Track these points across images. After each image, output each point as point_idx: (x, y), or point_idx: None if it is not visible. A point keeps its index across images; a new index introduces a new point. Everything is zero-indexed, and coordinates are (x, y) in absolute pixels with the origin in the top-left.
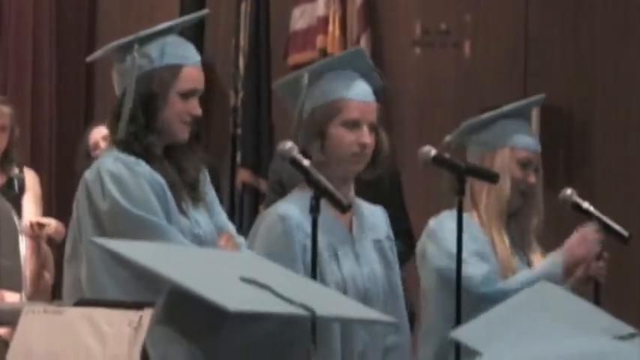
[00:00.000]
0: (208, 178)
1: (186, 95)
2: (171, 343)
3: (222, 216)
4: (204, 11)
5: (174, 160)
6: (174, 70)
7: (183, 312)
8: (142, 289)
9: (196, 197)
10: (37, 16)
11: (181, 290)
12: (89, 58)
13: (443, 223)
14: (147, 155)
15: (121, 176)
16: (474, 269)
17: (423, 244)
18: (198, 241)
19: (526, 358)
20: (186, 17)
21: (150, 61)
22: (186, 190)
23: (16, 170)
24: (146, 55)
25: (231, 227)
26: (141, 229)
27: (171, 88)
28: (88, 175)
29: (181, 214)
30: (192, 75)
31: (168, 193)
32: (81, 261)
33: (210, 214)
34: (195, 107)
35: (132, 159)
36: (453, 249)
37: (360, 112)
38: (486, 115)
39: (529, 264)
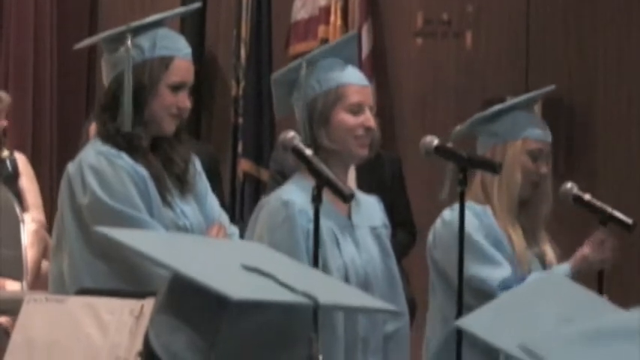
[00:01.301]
0: (199, 169)
1: (176, 88)
2: (173, 331)
3: (215, 206)
4: (196, 5)
5: (161, 151)
6: (166, 61)
7: (185, 300)
8: (120, 284)
9: (184, 188)
10: (39, 9)
11: (184, 279)
12: (79, 45)
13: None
14: (130, 147)
15: (102, 170)
16: (493, 272)
17: (442, 237)
18: (184, 232)
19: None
20: (178, 10)
21: (141, 52)
22: (172, 182)
23: (6, 152)
24: (138, 46)
25: (224, 217)
26: (121, 224)
27: (162, 80)
28: (71, 167)
29: (165, 206)
30: (183, 67)
31: (151, 186)
32: (66, 253)
33: (201, 205)
34: (184, 100)
35: (114, 151)
36: (476, 245)
37: (361, 95)
38: (497, 107)
39: (541, 254)
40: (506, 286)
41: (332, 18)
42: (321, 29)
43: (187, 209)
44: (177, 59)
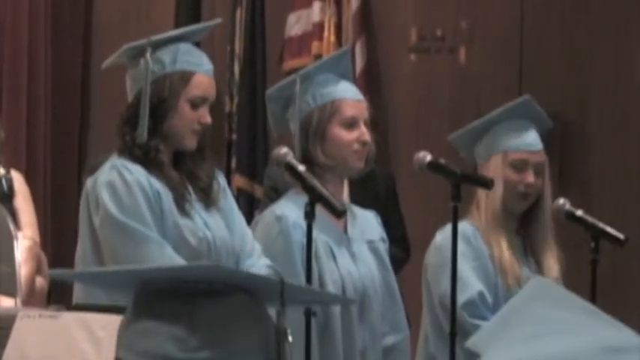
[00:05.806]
0: (224, 185)
1: (196, 103)
2: (147, 335)
3: (242, 222)
4: (217, 20)
5: (184, 166)
6: (186, 76)
7: (154, 302)
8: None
9: (209, 202)
10: (33, 19)
11: (150, 280)
12: (104, 65)
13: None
14: (146, 159)
15: (113, 183)
16: (461, 293)
17: (431, 261)
18: (206, 243)
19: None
20: (201, 25)
21: (162, 67)
22: (198, 195)
23: (2, 171)
24: (158, 60)
25: (249, 235)
26: (127, 237)
27: (181, 94)
28: (88, 183)
29: (184, 217)
30: (204, 83)
31: (165, 199)
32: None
33: (227, 220)
34: (204, 116)
35: (128, 164)
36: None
37: (355, 110)
38: (472, 126)
39: (542, 269)
40: (470, 307)
41: (325, 34)
42: (315, 45)
43: (211, 222)
44: (198, 74)
